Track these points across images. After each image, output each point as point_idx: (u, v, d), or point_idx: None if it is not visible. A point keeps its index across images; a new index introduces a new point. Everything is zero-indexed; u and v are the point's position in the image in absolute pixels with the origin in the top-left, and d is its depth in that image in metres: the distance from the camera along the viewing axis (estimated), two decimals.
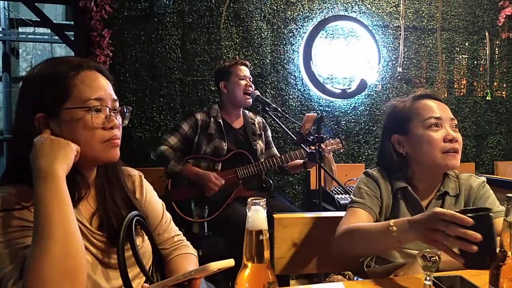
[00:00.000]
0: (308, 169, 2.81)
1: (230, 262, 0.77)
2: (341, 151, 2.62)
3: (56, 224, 0.77)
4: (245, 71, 2.47)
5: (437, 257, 0.85)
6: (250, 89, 2.44)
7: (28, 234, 0.80)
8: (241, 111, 2.58)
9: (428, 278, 0.87)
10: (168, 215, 1.18)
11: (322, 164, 2.09)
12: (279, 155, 2.62)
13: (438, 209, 0.94)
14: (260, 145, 2.57)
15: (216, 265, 0.76)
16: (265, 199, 0.69)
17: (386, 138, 1.37)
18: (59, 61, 0.95)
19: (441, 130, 1.25)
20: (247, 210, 0.68)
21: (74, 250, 0.78)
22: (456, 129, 1.28)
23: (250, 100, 2.44)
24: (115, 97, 0.96)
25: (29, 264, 0.75)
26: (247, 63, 2.54)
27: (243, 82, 2.44)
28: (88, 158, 0.91)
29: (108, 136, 0.92)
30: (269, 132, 2.71)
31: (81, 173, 0.94)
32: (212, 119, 2.46)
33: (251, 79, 2.49)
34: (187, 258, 1.14)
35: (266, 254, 0.67)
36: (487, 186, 1.32)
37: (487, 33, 3.69)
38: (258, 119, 2.66)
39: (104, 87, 0.94)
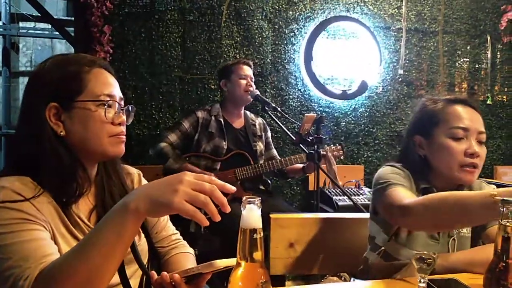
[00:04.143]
0: (307, 174, 2.81)
1: (234, 261, 0.75)
2: (341, 158, 2.60)
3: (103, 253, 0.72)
4: (246, 70, 2.47)
5: (432, 260, 0.85)
6: (251, 88, 2.43)
7: (28, 227, 0.79)
8: (243, 112, 2.57)
9: (422, 280, 0.87)
10: None
11: (325, 165, 2.09)
12: (278, 157, 2.61)
13: None
14: (260, 146, 2.57)
15: (222, 263, 0.78)
16: (260, 198, 0.68)
17: (409, 136, 1.33)
18: (72, 56, 0.97)
19: (465, 143, 1.20)
20: (241, 208, 0.68)
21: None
22: (482, 143, 1.22)
23: (249, 97, 2.43)
24: (122, 96, 0.99)
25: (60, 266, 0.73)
26: (250, 63, 2.53)
27: (243, 82, 2.43)
28: (95, 152, 0.93)
29: (116, 131, 0.95)
30: (269, 133, 2.70)
31: (85, 168, 0.95)
32: (213, 117, 2.45)
33: (253, 79, 2.49)
34: (186, 256, 1.14)
35: (260, 253, 0.67)
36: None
37: (488, 37, 3.69)
38: (259, 120, 2.65)
39: (114, 85, 0.97)
